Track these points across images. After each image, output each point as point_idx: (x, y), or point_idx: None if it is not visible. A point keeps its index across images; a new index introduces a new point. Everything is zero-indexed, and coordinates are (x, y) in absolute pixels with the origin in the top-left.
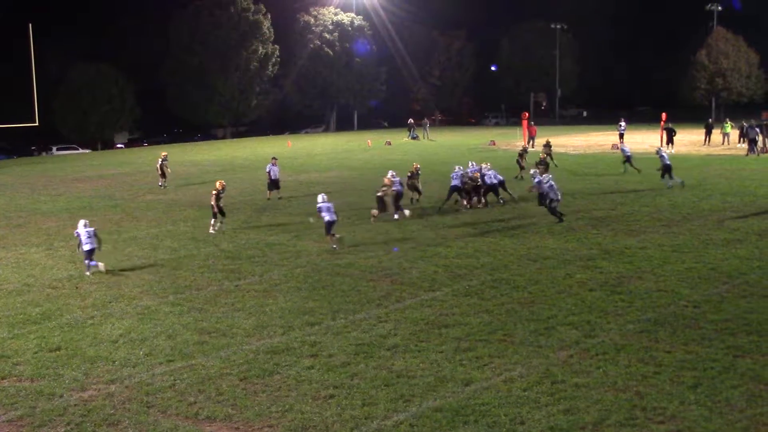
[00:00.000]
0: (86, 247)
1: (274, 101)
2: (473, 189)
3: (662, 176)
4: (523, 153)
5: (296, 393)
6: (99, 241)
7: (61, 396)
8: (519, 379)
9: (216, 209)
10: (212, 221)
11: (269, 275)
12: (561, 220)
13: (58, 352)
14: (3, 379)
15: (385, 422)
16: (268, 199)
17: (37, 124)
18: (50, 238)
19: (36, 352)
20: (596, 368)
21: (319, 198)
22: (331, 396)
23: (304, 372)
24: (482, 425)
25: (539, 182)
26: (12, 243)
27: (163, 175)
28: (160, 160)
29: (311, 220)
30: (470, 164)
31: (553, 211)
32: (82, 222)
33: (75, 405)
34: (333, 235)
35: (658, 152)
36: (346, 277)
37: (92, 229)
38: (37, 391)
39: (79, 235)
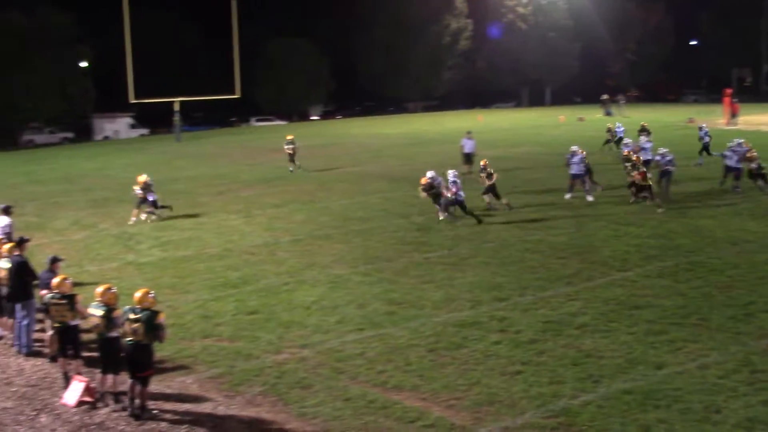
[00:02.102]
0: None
1: (466, 76)
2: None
3: (699, 153)
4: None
5: (483, 367)
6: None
7: (258, 357)
8: (715, 365)
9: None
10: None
11: (458, 249)
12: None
13: (254, 316)
14: (205, 338)
15: (573, 401)
16: (463, 173)
17: (239, 96)
18: (248, 206)
19: (234, 315)
20: None
21: (450, 174)
22: (519, 372)
23: (491, 347)
24: (674, 411)
25: (455, 182)
26: (214, 210)
27: (292, 159)
28: (286, 144)
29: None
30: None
31: (469, 212)
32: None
33: (270, 366)
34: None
35: (700, 128)
36: (535, 254)
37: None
38: (236, 351)
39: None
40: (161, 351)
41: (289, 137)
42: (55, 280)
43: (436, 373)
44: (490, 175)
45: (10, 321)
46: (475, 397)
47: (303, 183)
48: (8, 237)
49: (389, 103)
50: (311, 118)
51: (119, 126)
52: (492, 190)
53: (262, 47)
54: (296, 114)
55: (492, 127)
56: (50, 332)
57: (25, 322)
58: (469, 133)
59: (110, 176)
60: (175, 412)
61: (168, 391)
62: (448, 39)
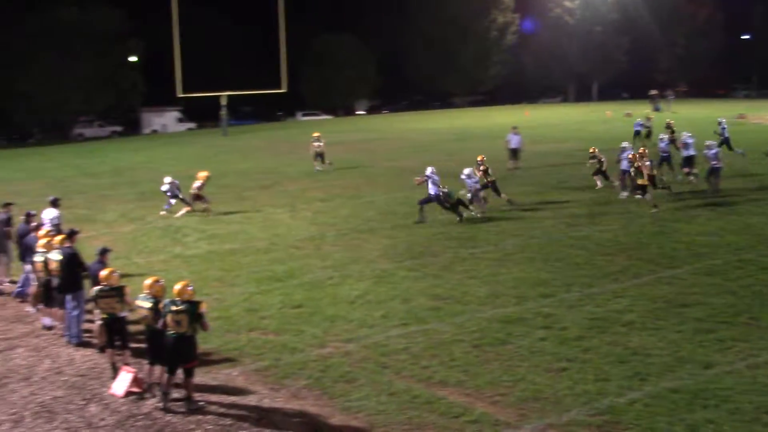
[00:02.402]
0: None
1: (512, 71)
2: None
3: (718, 146)
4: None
5: (528, 364)
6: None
7: (303, 351)
8: (765, 365)
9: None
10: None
11: (504, 245)
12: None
13: (300, 309)
14: (251, 330)
15: (619, 399)
16: (509, 169)
17: (285, 90)
18: (294, 200)
19: (280, 308)
20: None
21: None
22: (564, 369)
23: (536, 343)
24: (723, 411)
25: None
26: (260, 204)
27: (318, 157)
28: (314, 141)
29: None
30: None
31: (452, 208)
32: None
33: (315, 360)
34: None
35: (719, 123)
36: (581, 250)
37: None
38: (281, 344)
39: (167, 190)
40: (208, 343)
41: (316, 134)
42: (103, 273)
43: (481, 368)
44: (486, 172)
45: (61, 312)
46: (520, 394)
47: (348, 177)
48: (57, 229)
49: (435, 98)
50: (357, 112)
51: (167, 120)
52: (494, 187)
53: (309, 43)
54: (342, 109)
55: (538, 122)
56: (98, 323)
57: (75, 312)
58: (515, 128)
59: (158, 169)
60: (220, 404)
61: (214, 383)
62: (494, 34)
